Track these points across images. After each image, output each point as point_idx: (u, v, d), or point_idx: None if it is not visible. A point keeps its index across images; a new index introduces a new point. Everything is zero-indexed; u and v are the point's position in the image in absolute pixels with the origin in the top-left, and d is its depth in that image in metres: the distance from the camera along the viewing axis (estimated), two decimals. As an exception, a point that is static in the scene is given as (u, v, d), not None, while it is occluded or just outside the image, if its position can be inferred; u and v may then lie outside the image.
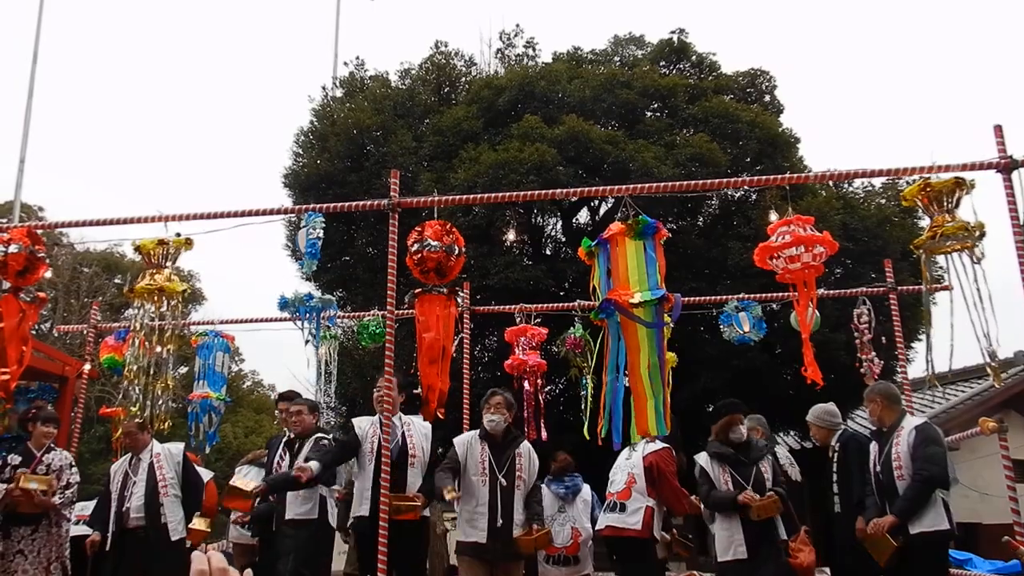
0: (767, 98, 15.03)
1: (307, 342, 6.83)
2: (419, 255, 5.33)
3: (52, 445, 6.37)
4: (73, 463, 6.40)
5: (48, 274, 6.44)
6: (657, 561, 5.99)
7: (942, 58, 66.24)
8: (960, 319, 5.11)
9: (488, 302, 10.27)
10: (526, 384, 8.16)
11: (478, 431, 5.75)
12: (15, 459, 6.10)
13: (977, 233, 4.97)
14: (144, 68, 68.26)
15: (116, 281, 23.71)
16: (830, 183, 13.70)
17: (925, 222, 5.21)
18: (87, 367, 8.56)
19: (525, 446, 5.78)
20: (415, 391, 6.13)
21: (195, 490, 6.54)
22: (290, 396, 6.93)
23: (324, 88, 16.16)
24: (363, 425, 5.95)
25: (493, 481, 5.50)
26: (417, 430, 6.01)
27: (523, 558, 5.77)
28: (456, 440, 5.74)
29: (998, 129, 5.12)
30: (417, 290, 5.43)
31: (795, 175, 6.71)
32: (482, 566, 5.45)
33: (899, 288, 8.12)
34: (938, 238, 5.04)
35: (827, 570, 6.96)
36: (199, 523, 6.45)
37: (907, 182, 9.94)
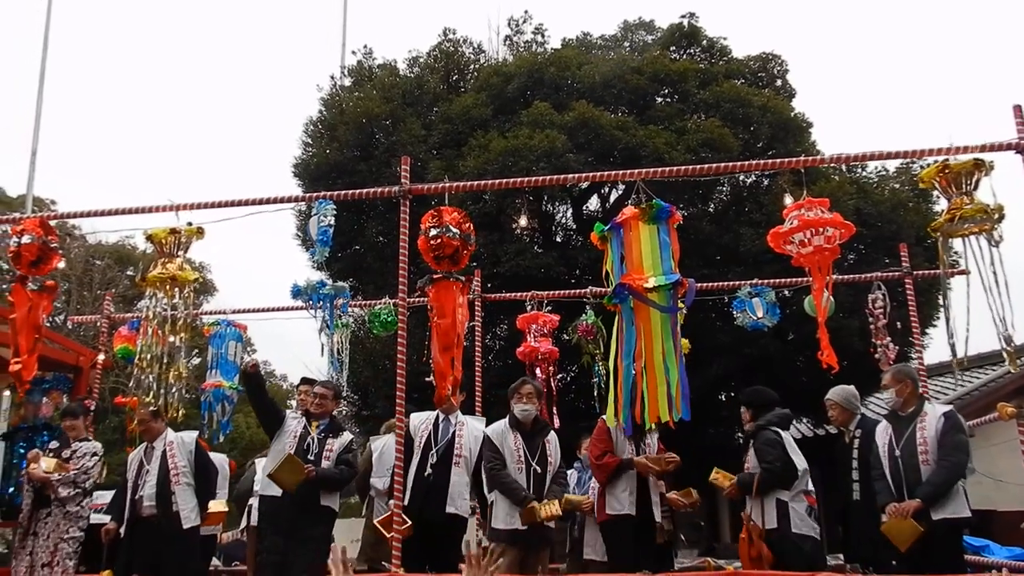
0: (779, 82, 14.88)
1: (320, 330, 6.82)
2: (438, 240, 5.28)
3: (88, 436, 6.66)
4: (97, 452, 6.56)
5: (61, 264, 6.46)
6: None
7: (958, 38, 65.60)
8: (976, 304, 5.07)
9: (499, 290, 10.24)
10: (538, 371, 8.14)
11: (507, 420, 5.77)
12: (55, 444, 6.56)
13: (996, 215, 4.90)
14: (153, 60, 68.43)
15: (128, 273, 23.83)
16: (843, 168, 13.58)
17: (939, 207, 5.19)
18: (101, 357, 8.59)
19: (552, 434, 5.89)
20: (427, 379, 6.18)
21: (208, 477, 6.59)
22: (313, 381, 7.08)
23: (332, 77, 16.13)
24: (415, 422, 6.00)
25: (528, 469, 5.66)
26: (469, 431, 6.06)
27: (551, 543, 5.82)
28: (490, 432, 5.80)
29: (1017, 109, 5.05)
30: (437, 275, 5.39)
31: (809, 158, 6.65)
32: (516, 553, 5.52)
33: (915, 273, 8.03)
34: (956, 221, 4.97)
35: (841, 556, 6.93)
36: (216, 506, 6.49)
37: (921, 166, 9.90)
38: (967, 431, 5.47)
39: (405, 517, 5.28)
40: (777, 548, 5.31)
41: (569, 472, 7.18)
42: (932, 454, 5.23)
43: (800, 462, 5.47)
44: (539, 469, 5.70)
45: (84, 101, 60.14)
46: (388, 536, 5.31)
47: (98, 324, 9.38)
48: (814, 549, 5.26)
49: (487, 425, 6.09)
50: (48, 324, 6.22)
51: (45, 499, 6.28)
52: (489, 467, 5.64)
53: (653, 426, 5.17)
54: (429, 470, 5.73)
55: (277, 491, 5.87)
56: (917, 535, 4.99)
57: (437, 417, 6.03)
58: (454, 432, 5.97)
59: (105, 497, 7.16)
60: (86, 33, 62.01)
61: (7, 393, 11.29)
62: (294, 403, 7.29)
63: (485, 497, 5.93)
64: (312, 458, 6.04)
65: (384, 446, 6.98)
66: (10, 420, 10.86)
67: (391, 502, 5.62)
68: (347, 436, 6.45)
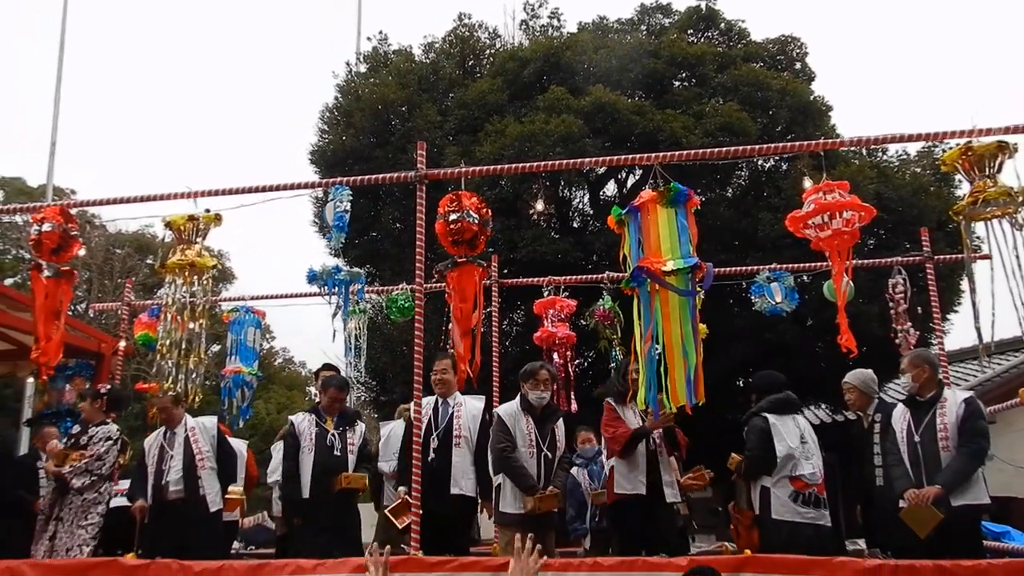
0: (798, 65, 14.74)
1: (335, 316, 6.85)
2: (458, 224, 5.27)
3: (107, 420, 6.61)
4: (111, 437, 6.54)
5: (82, 252, 6.50)
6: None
7: (981, 18, 64.58)
8: (998, 289, 5.00)
9: (516, 275, 10.22)
10: (556, 356, 8.14)
11: (518, 403, 5.77)
12: (76, 429, 6.60)
13: (1020, 199, 4.83)
14: (170, 50, 68.69)
15: (148, 261, 24.01)
16: (863, 152, 13.44)
17: (961, 191, 5.12)
18: (122, 344, 8.67)
19: (560, 419, 5.92)
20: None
21: (230, 462, 6.66)
22: (334, 368, 7.22)
23: (348, 64, 16.12)
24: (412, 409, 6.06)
25: (539, 454, 5.67)
26: (467, 411, 6.07)
27: (555, 527, 5.83)
28: (503, 413, 5.79)
29: (1042, 90, 4.96)
30: (462, 258, 5.39)
31: (828, 141, 6.55)
32: (521, 529, 5.53)
33: (936, 257, 7.92)
34: (979, 204, 4.90)
35: (860, 542, 6.89)
36: (235, 491, 6.56)
37: (943, 150, 9.77)
38: (986, 418, 5.41)
39: (412, 502, 5.33)
40: (759, 533, 5.36)
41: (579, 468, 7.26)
42: (953, 440, 5.18)
43: (783, 448, 5.41)
44: (550, 455, 5.74)
45: (102, 91, 60.51)
46: (398, 523, 5.35)
47: (119, 312, 9.47)
48: (794, 535, 5.21)
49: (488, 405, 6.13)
50: (70, 312, 6.24)
51: (63, 486, 6.31)
52: (500, 448, 5.63)
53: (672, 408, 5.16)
54: (432, 454, 5.75)
55: (306, 493, 6.12)
56: (937, 521, 4.94)
57: (436, 401, 6.04)
58: (452, 414, 5.98)
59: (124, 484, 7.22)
60: (104, 24, 62.37)
61: (31, 380, 11.47)
62: (313, 390, 7.34)
63: (490, 478, 5.92)
64: (339, 454, 6.20)
65: (391, 431, 7.04)
66: (35, 407, 11.03)
67: (401, 489, 5.71)
68: (360, 426, 6.57)
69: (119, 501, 6.87)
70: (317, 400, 6.95)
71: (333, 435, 6.26)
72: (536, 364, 5.97)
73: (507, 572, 2.96)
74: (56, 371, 7.13)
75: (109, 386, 6.99)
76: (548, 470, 5.71)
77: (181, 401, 6.39)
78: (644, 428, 5.71)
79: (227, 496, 6.50)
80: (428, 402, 5.96)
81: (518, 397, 5.86)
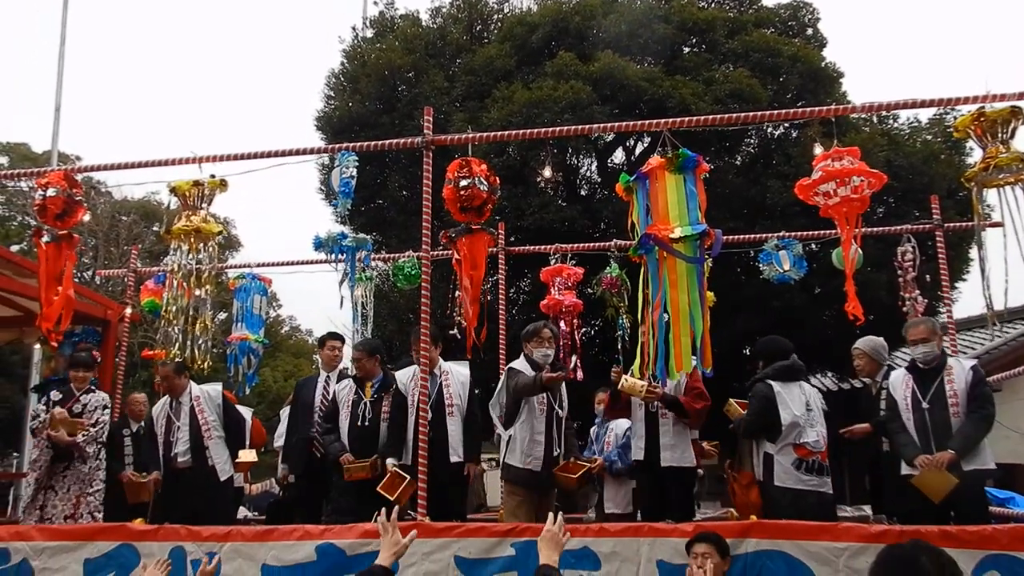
0: (809, 31, 14.54)
1: (341, 282, 6.83)
2: (468, 191, 5.24)
3: (93, 387, 6.60)
4: (107, 404, 6.60)
5: (87, 218, 6.47)
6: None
7: (993, -12, 63.48)
8: (1011, 256, 4.93)
9: (523, 243, 10.19)
10: (562, 324, 8.11)
11: (524, 363, 5.79)
12: (56, 395, 6.44)
13: (1033, 165, 4.76)
14: (175, 15, 68.07)
15: (155, 229, 24.00)
16: (874, 119, 13.30)
17: (972, 159, 5.03)
18: (129, 311, 8.68)
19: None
20: (451, 332, 6.20)
21: (237, 428, 6.70)
22: (338, 336, 7.22)
23: (354, 29, 15.98)
24: (403, 378, 6.08)
25: (550, 412, 5.70)
26: (455, 378, 6.10)
27: (557, 487, 5.88)
28: (517, 365, 5.78)
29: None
30: (476, 226, 5.37)
31: (839, 107, 6.45)
32: (529, 493, 5.59)
33: (946, 225, 7.85)
34: (991, 170, 4.83)
35: (866, 508, 6.91)
36: (246, 455, 6.59)
37: (955, 117, 9.64)
38: (992, 385, 5.41)
39: (404, 474, 5.51)
40: (762, 500, 5.38)
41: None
42: (963, 407, 5.20)
43: (787, 416, 5.41)
44: (560, 413, 5.81)
45: (107, 57, 60.22)
46: (391, 498, 5.38)
47: (125, 278, 9.48)
48: (797, 502, 5.23)
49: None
50: (77, 279, 6.21)
51: (64, 454, 6.28)
52: (514, 381, 5.62)
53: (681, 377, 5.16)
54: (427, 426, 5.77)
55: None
56: (952, 486, 4.94)
57: None
58: (441, 383, 6.00)
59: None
60: (108, -13, 61.75)
61: (38, 347, 11.53)
62: (318, 359, 7.31)
63: (476, 441, 5.98)
64: (368, 423, 6.17)
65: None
66: (42, 373, 11.11)
67: (390, 461, 5.75)
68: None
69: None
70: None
71: (366, 403, 6.23)
72: (539, 323, 5.97)
73: (519, 537, 3.15)
74: (64, 337, 7.12)
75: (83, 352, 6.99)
76: (559, 428, 5.77)
77: (185, 371, 6.40)
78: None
79: (239, 460, 6.54)
80: (416, 372, 5.88)
81: (523, 359, 5.86)
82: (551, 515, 3.31)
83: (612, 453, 6.68)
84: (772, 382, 5.54)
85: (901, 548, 2.44)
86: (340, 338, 7.22)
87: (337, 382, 6.62)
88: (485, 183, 5.30)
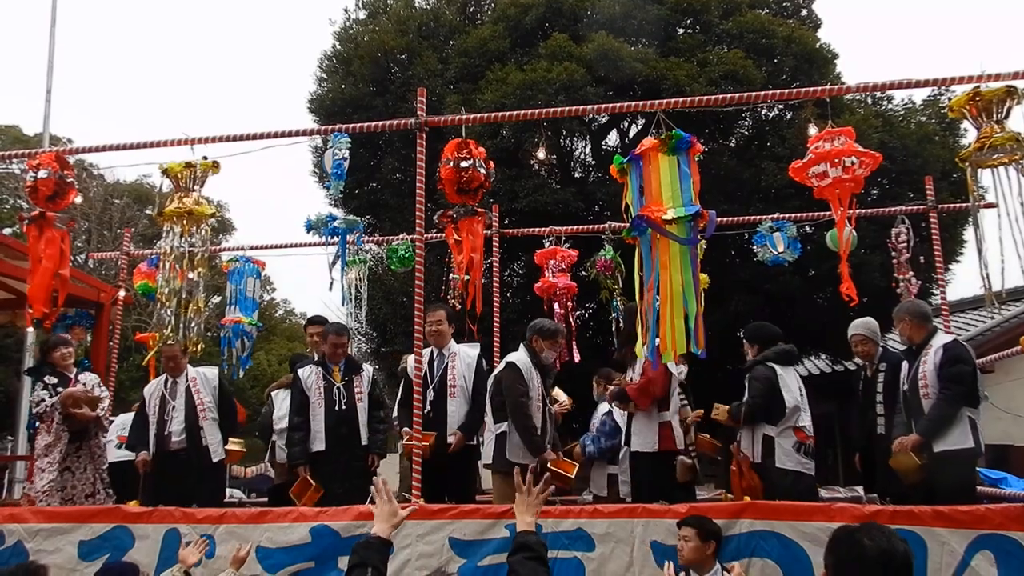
0: (804, 12, 14.47)
1: (332, 265, 6.79)
2: (468, 173, 5.24)
3: (83, 367, 6.58)
4: (101, 382, 6.65)
5: (78, 200, 6.42)
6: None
7: (989, -31, 63.22)
8: (1005, 237, 4.93)
9: (517, 225, 10.16)
10: (556, 307, 8.12)
11: (528, 357, 5.80)
12: (52, 380, 6.34)
13: (1028, 145, 4.75)
14: (166, -5, 67.38)
15: (147, 212, 23.90)
16: (869, 101, 13.27)
17: (966, 140, 5.02)
18: (122, 293, 8.65)
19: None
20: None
21: (232, 412, 6.68)
22: (320, 320, 7.14)
23: (346, 10, 15.83)
24: (412, 360, 6.00)
25: (545, 408, 5.79)
26: (461, 360, 6.14)
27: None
28: (520, 364, 5.76)
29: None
30: (480, 209, 5.42)
31: (832, 87, 6.45)
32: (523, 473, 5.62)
33: (940, 206, 7.85)
34: (986, 149, 4.82)
35: (859, 489, 6.96)
36: (235, 444, 6.58)
37: (949, 98, 9.61)
38: (972, 361, 5.40)
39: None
40: (762, 481, 5.41)
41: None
42: (932, 387, 5.26)
43: (791, 399, 5.43)
44: (551, 410, 5.97)
45: (98, 39, 59.69)
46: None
47: (118, 261, 9.44)
48: (796, 484, 5.28)
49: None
50: (69, 263, 6.14)
51: (78, 434, 6.27)
52: (519, 397, 5.63)
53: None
54: (428, 407, 5.81)
55: (322, 446, 6.09)
56: (915, 468, 5.08)
57: (432, 352, 6.10)
58: (447, 364, 6.08)
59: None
60: (97, -32, 61.09)
61: (31, 329, 11.47)
62: (308, 342, 7.26)
63: (477, 418, 6.00)
64: (345, 408, 6.15)
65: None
66: (35, 356, 11.06)
67: (402, 443, 5.76)
68: (367, 370, 6.51)
69: (122, 454, 6.88)
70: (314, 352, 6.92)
71: (339, 388, 6.20)
72: (558, 326, 6.10)
73: (514, 519, 3.04)
74: (56, 320, 7.08)
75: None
76: (551, 424, 5.90)
77: (186, 351, 6.40)
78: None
79: (228, 449, 6.52)
80: (424, 354, 5.96)
81: (524, 350, 5.85)
82: (518, 476, 3.09)
83: (587, 437, 6.71)
84: (774, 364, 5.57)
85: (849, 529, 2.43)
86: (321, 322, 7.11)
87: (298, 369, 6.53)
88: (484, 167, 5.34)
